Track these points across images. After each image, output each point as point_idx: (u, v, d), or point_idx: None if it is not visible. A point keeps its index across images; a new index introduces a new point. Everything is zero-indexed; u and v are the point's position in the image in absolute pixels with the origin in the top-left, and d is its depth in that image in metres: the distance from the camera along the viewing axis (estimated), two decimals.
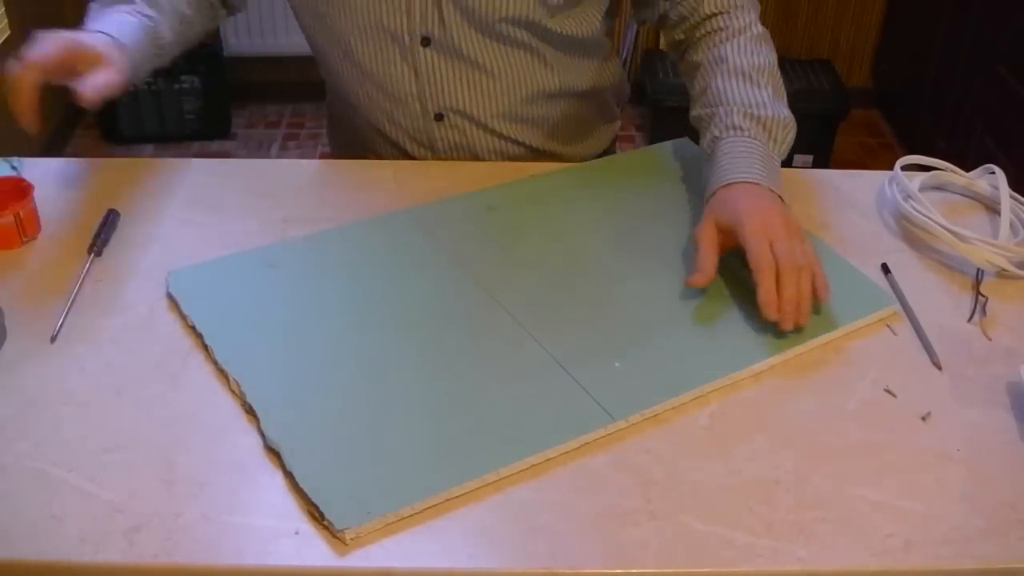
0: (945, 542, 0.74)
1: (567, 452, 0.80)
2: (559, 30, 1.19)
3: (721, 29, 1.15)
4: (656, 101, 2.95)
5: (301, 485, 0.76)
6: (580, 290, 0.98)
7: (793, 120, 1.09)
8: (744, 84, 1.09)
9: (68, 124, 3.11)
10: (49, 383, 0.86)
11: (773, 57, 1.13)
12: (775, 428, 0.84)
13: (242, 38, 3.17)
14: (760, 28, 1.15)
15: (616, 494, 0.77)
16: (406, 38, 1.16)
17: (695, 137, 1.15)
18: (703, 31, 1.17)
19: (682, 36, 1.20)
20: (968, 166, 1.18)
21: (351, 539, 0.73)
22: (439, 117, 1.22)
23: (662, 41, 1.23)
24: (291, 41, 3.16)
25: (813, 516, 0.76)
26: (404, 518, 0.75)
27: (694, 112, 1.13)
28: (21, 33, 2.75)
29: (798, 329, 0.92)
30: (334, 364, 0.88)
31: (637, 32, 1.67)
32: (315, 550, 0.72)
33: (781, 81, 1.13)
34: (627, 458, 0.80)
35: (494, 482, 0.78)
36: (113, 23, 1.09)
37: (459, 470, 0.78)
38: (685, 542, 0.74)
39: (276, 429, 0.81)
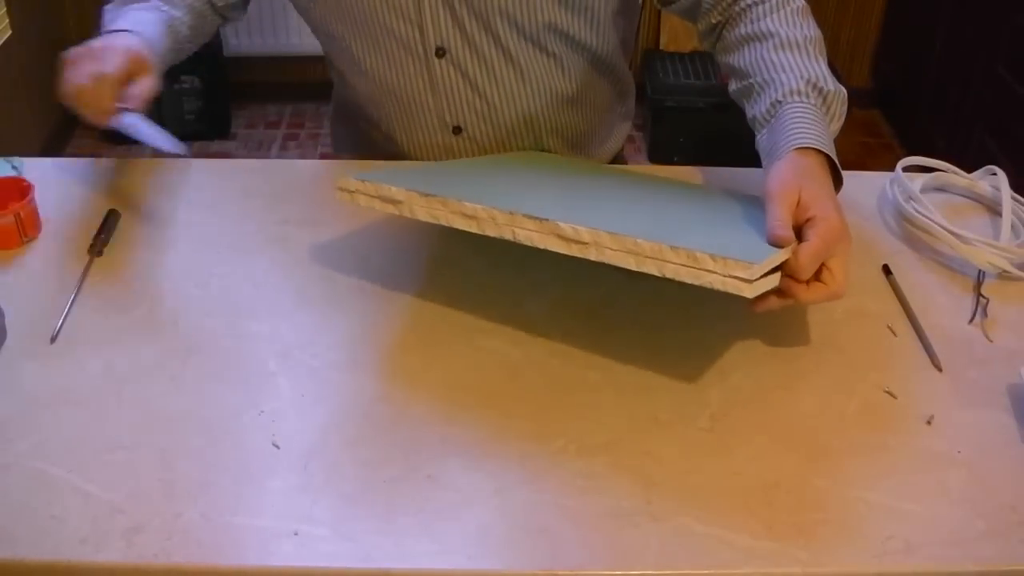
0: (945, 544, 0.74)
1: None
2: (577, 35, 1.17)
3: (761, 2, 1.10)
4: (656, 101, 2.94)
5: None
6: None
7: (846, 94, 1.06)
8: (799, 55, 1.05)
9: (68, 124, 3.11)
10: (49, 383, 0.86)
11: (818, 30, 1.09)
12: (775, 429, 0.84)
13: (242, 38, 3.17)
14: (801, 0, 1.10)
15: (616, 495, 0.77)
16: (420, 50, 1.14)
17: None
18: (742, 5, 1.12)
19: (719, 18, 1.15)
20: (968, 166, 1.18)
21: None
22: (457, 130, 1.21)
23: (701, 40, 1.17)
24: (291, 41, 3.15)
25: (813, 518, 0.76)
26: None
27: (742, 83, 1.08)
28: (21, 33, 2.74)
29: None
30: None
31: (637, 32, 1.67)
32: (315, 550, 0.72)
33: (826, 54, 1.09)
34: (627, 459, 0.80)
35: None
36: (137, 22, 1.09)
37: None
38: (685, 544, 0.74)
39: None
